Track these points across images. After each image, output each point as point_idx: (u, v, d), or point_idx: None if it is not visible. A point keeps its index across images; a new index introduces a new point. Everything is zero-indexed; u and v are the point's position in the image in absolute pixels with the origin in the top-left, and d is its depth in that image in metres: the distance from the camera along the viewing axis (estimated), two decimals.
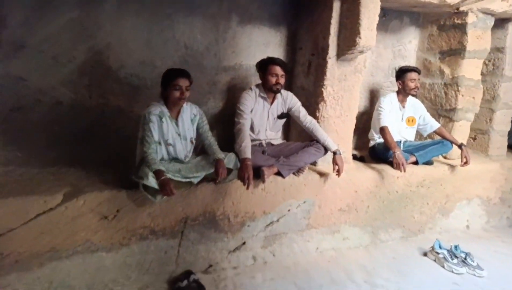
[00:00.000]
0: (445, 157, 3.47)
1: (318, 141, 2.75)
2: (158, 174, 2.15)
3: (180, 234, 2.46)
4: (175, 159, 2.47)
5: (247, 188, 2.40)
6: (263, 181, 2.56)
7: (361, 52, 2.76)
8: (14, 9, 2.36)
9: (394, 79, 3.35)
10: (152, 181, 2.13)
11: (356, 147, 3.64)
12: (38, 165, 2.49)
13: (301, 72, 3.18)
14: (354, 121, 3.07)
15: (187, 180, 2.35)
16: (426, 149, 3.20)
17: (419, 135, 3.60)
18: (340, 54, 2.82)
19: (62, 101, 2.57)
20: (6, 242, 2.06)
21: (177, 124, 2.42)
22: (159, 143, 2.36)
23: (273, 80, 2.68)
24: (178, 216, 2.42)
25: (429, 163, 3.23)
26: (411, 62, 3.71)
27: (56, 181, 2.33)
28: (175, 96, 2.31)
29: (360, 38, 2.62)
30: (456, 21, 3.31)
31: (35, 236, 2.11)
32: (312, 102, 2.99)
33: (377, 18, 2.65)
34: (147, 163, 2.20)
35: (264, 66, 2.72)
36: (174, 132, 2.42)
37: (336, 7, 2.77)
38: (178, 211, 2.41)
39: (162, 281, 2.40)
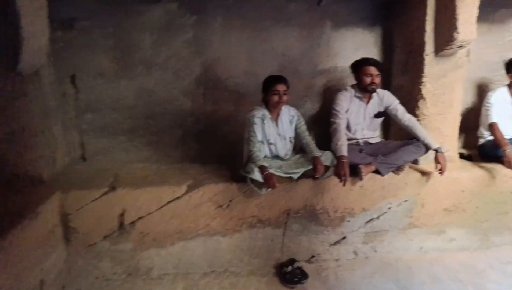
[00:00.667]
0: None
1: (417, 139, 2.84)
2: (262, 169, 2.52)
3: (284, 224, 2.81)
4: (276, 157, 2.84)
5: (344, 185, 2.63)
6: (361, 179, 2.75)
7: (460, 47, 2.78)
8: (145, 34, 3.02)
9: (504, 72, 3.23)
10: (257, 175, 2.51)
11: (464, 146, 3.57)
12: (167, 162, 3.11)
13: (398, 70, 3.30)
14: (458, 118, 3.07)
15: (288, 175, 2.68)
16: None
17: None
18: (438, 50, 2.88)
19: (183, 109, 3.16)
20: (146, 223, 2.65)
21: (277, 125, 2.79)
22: (262, 142, 2.75)
23: (367, 80, 2.87)
24: (281, 208, 2.77)
25: None
26: None
27: (181, 175, 2.88)
28: (274, 100, 2.68)
29: (457, 32, 2.67)
30: None
31: (167, 219, 2.66)
32: (411, 100, 3.08)
33: (476, 11, 2.66)
34: (252, 159, 2.60)
35: (358, 66, 2.92)
36: (275, 133, 2.79)
37: (431, 3, 2.85)
38: (281, 204, 2.76)
39: (270, 266, 2.76)
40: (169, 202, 2.66)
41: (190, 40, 3.10)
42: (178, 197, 2.66)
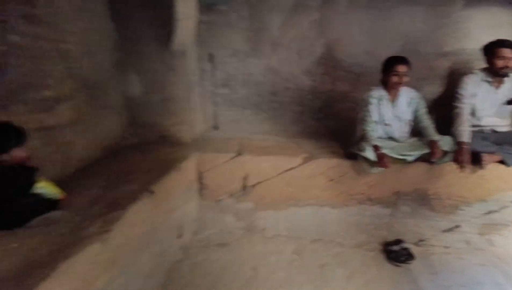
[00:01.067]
0: None
1: None
2: (375, 148, 2.66)
3: (392, 205, 2.92)
4: (390, 138, 2.93)
5: (462, 172, 2.61)
6: (482, 168, 2.69)
7: None
8: (275, 16, 3.33)
9: None
10: (370, 154, 2.66)
11: None
12: (285, 135, 3.45)
13: None
14: None
15: (402, 157, 2.76)
16: None
17: None
18: None
19: (303, 87, 3.43)
20: (265, 187, 3.02)
21: (394, 106, 2.87)
22: (377, 122, 2.87)
23: (500, 63, 2.73)
24: (391, 188, 2.87)
25: None
26: None
27: (298, 148, 3.18)
28: (394, 81, 2.75)
29: None
30: None
31: (282, 186, 3.00)
32: None
33: None
34: (366, 138, 2.75)
35: (491, 48, 2.78)
36: (391, 114, 2.87)
37: None
38: (391, 184, 2.86)
39: (375, 243, 2.91)
40: (285, 171, 2.98)
41: (315, 21, 3.31)
42: (294, 167, 2.97)
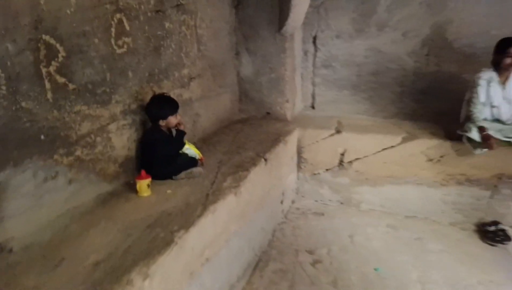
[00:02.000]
0: None
1: None
2: (481, 129, 2.75)
3: (493, 187, 2.97)
4: (497, 120, 2.96)
5: None
6: None
7: None
8: (382, 0, 3.46)
9: None
10: (475, 135, 2.76)
11: None
12: (382, 116, 3.63)
13: None
14: None
15: (508, 139, 2.81)
16: None
17: None
18: None
19: (405, 68, 3.55)
20: (362, 164, 3.27)
21: (504, 88, 2.88)
22: (484, 104, 2.92)
23: None
24: (494, 170, 2.92)
25: None
26: None
27: (397, 128, 3.35)
28: (506, 63, 2.77)
29: None
30: None
31: (380, 163, 3.22)
32: None
33: None
34: (472, 120, 2.84)
35: None
36: (501, 96, 2.89)
37: None
38: (494, 166, 2.90)
39: (471, 223, 3.01)
40: (384, 149, 3.19)
41: (423, 3, 3.37)
42: (393, 146, 3.17)
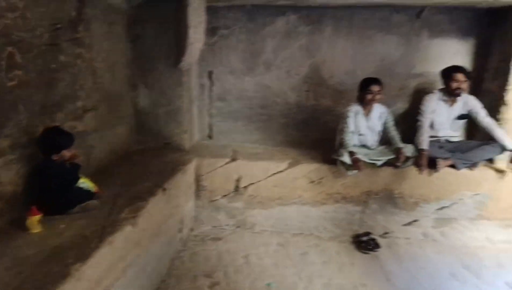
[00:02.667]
0: None
1: (494, 140, 3.26)
2: (351, 154, 3.24)
3: (363, 203, 3.49)
4: (364, 146, 3.52)
5: (421, 173, 3.21)
6: (437, 170, 3.30)
7: None
8: (269, 40, 3.89)
9: None
10: (347, 159, 3.23)
11: None
12: (271, 144, 4.00)
13: (488, 77, 3.68)
14: None
15: (372, 162, 3.34)
16: None
17: None
18: None
19: (289, 102, 3.99)
20: (256, 188, 3.56)
21: (368, 119, 3.46)
22: (353, 133, 3.46)
23: (455, 85, 3.34)
24: (363, 189, 3.45)
25: None
26: None
27: (284, 155, 3.73)
28: (368, 98, 3.35)
29: None
30: None
31: (270, 187, 3.54)
32: (495, 105, 3.47)
33: None
34: (344, 146, 3.32)
35: (448, 73, 3.41)
36: (365, 126, 3.46)
37: None
38: (363, 185, 3.44)
39: (348, 235, 3.48)
40: (273, 174, 3.52)
41: (303, 46, 3.88)
42: (281, 171, 3.51)
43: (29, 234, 1.92)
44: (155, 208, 2.55)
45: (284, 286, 2.74)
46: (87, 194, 2.27)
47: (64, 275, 1.56)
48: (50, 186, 2.09)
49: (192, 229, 3.57)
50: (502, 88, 3.42)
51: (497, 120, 3.43)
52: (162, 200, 2.71)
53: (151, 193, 2.60)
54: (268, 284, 2.75)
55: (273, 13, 3.78)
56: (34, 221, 1.92)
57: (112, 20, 3.18)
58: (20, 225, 1.95)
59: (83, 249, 1.80)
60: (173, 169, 3.17)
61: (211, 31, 3.75)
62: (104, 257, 1.87)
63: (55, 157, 2.18)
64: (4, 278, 1.54)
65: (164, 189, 2.76)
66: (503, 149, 3.23)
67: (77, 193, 2.22)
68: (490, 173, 3.35)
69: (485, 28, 3.68)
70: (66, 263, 1.65)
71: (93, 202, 2.27)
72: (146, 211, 2.39)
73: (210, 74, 4.00)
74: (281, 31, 3.84)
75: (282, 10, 3.74)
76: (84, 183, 2.31)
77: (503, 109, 3.43)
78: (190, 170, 3.42)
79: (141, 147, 3.72)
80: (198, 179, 3.58)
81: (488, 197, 3.36)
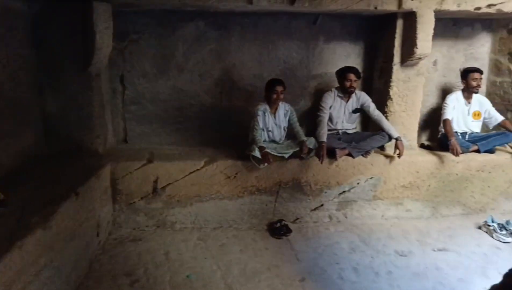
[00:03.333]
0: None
1: (383, 130, 3.75)
2: (261, 148, 3.48)
3: (276, 193, 3.76)
4: (273, 141, 3.79)
5: (321, 163, 3.56)
6: (336, 159, 3.68)
7: (420, 58, 3.67)
8: (179, 45, 4.00)
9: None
10: (257, 153, 3.47)
11: (429, 139, 4.45)
12: (189, 145, 4.10)
13: (376, 76, 4.20)
14: (418, 115, 3.96)
15: (281, 154, 3.63)
16: (488, 139, 3.88)
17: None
18: (403, 61, 3.78)
19: (204, 104, 4.14)
20: (174, 188, 3.63)
21: (275, 117, 3.75)
22: (263, 129, 3.71)
23: (348, 84, 3.78)
24: (274, 180, 3.71)
25: (491, 151, 3.89)
26: (484, 63, 4.34)
27: (200, 154, 3.85)
28: (273, 98, 3.64)
29: (417, 48, 3.56)
30: None
31: (189, 185, 3.65)
32: (382, 100, 3.99)
33: (432, 31, 3.54)
34: (254, 142, 3.56)
35: (342, 73, 3.84)
36: (273, 123, 3.75)
37: (400, 24, 3.74)
38: (274, 177, 3.70)
39: (263, 224, 3.72)
40: (191, 172, 3.63)
41: (213, 50, 4.05)
42: (198, 169, 3.63)
43: None
44: (68, 212, 2.51)
45: (203, 276, 2.86)
46: None
47: None
48: None
49: (110, 233, 3.53)
50: (387, 85, 3.93)
51: (384, 113, 3.93)
52: (75, 204, 2.67)
53: (63, 197, 2.55)
54: (188, 276, 2.85)
55: (182, 18, 3.89)
56: None
57: (11, 25, 3.05)
58: None
59: None
60: (86, 173, 3.12)
61: (121, 35, 3.75)
62: (14, 261, 1.83)
63: None
64: None
65: (77, 194, 2.72)
66: (390, 138, 3.72)
67: None
68: (381, 158, 3.83)
69: (372, 33, 4.19)
70: None
71: None
72: (59, 215, 2.36)
73: (122, 78, 3.99)
74: (191, 36, 3.97)
75: (190, 16, 3.87)
76: None
77: (389, 103, 3.93)
78: (104, 174, 3.39)
79: (52, 153, 3.57)
80: (114, 183, 3.55)
81: (380, 180, 3.82)
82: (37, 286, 2.07)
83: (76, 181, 2.89)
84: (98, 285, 2.71)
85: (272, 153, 3.57)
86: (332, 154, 3.68)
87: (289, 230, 3.58)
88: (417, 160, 3.84)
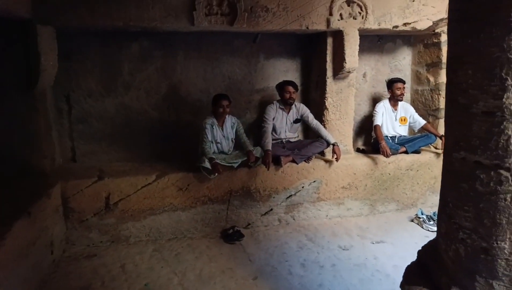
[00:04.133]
0: (435, 147, 4.56)
1: (321, 137, 4.08)
2: (211, 159, 3.65)
3: (227, 201, 3.92)
4: (222, 152, 3.97)
5: (268, 169, 3.79)
6: (281, 166, 3.94)
7: (349, 72, 4.06)
8: (125, 63, 4.09)
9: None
10: (207, 164, 3.62)
11: (364, 143, 4.86)
12: (139, 160, 4.15)
13: (313, 88, 4.55)
14: (352, 122, 4.35)
15: (230, 164, 3.82)
16: (414, 141, 4.34)
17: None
18: (335, 75, 4.15)
19: (152, 119, 4.23)
20: (126, 203, 3.67)
21: (222, 129, 3.94)
22: (212, 142, 3.88)
23: (287, 96, 4.08)
24: (225, 189, 3.88)
25: (417, 152, 4.36)
26: (407, 74, 4.87)
27: (151, 168, 3.92)
28: (219, 112, 3.84)
29: (345, 62, 3.94)
30: (434, 40, 4.47)
31: (141, 200, 3.70)
32: (319, 110, 4.33)
33: (357, 48, 3.94)
34: (204, 154, 3.72)
35: (281, 86, 4.14)
36: (221, 135, 3.93)
37: (330, 41, 4.12)
38: (225, 186, 3.87)
39: (217, 232, 3.86)
40: (142, 187, 3.70)
41: (158, 68, 4.18)
42: (149, 183, 3.71)
43: None
44: (21, 232, 2.51)
45: (160, 283, 2.94)
46: None
47: None
48: None
49: (64, 251, 3.49)
50: (322, 97, 4.27)
51: (322, 121, 4.26)
52: (27, 223, 2.67)
53: (15, 218, 2.55)
54: (146, 285, 2.92)
55: (126, 38, 3.99)
56: None
57: None
58: None
59: None
60: (36, 193, 3.11)
61: (65, 55, 3.76)
62: None
63: None
64: None
65: (29, 213, 2.72)
66: (328, 143, 4.04)
67: None
68: (321, 163, 4.14)
69: (307, 50, 4.55)
70: None
71: None
72: (11, 235, 2.36)
73: (67, 97, 3.98)
74: (136, 55, 4.08)
75: (135, 36, 3.98)
76: None
77: (325, 113, 4.28)
78: (55, 193, 3.37)
79: None
80: (65, 202, 3.53)
81: (322, 182, 4.12)
82: None
83: (26, 201, 2.89)
84: None
85: (222, 163, 3.74)
86: (277, 161, 3.93)
87: (241, 235, 3.75)
88: (353, 163, 4.19)
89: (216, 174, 3.66)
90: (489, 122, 1.34)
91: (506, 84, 1.27)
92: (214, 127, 3.88)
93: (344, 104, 4.25)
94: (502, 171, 1.33)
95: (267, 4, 3.68)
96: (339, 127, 4.30)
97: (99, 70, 4.01)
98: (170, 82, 4.24)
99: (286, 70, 4.59)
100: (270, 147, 3.90)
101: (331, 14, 3.81)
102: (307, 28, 3.82)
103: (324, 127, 4.20)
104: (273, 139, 4.09)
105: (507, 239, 1.35)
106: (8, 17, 3.02)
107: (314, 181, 4.10)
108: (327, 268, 3.17)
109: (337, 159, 3.98)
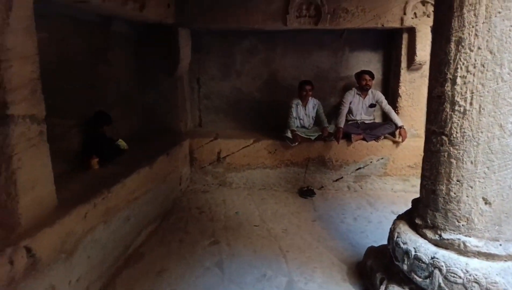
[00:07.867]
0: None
1: (391, 120, 4.50)
2: (292, 131, 4.46)
3: (305, 166, 4.69)
4: (303, 127, 4.74)
5: (338, 143, 4.43)
6: (352, 142, 4.52)
7: (420, 64, 4.36)
8: (238, 55, 5.13)
9: None
10: (289, 134, 4.45)
11: None
12: (241, 128, 5.21)
13: (391, 77, 4.92)
14: (424, 108, 4.61)
15: (308, 136, 4.56)
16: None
17: None
18: (408, 66, 4.48)
19: (255, 99, 5.22)
20: (231, 158, 4.75)
21: (305, 108, 4.68)
22: (296, 118, 4.67)
23: (363, 82, 4.58)
24: (304, 156, 4.65)
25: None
26: None
27: (250, 135, 4.92)
28: (303, 94, 4.58)
29: (416, 56, 4.27)
30: None
31: (241, 157, 4.73)
32: (395, 97, 4.71)
33: (429, 43, 4.20)
34: (288, 126, 4.54)
35: (359, 75, 4.65)
36: (303, 113, 4.69)
37: (405, 36, 4.45)
38: (304, 154, 4.64)
39: (295, 189, 4.67)
40: (243, 147, 4.72)
41: (262, 59, 5.11)
42: (248, 145, 4.71)
43: (92, 170, 3.09)
44: (162, 163, 3.75)
45: (246, 213, 3.94)
46: (122, 151, 3.47)
47: (106, 191, 2.72)
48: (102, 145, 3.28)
49: (188, 186, 4.75)
50: (397, 85, 4.64)
51: (396, 108, 4.65)
52: (166, 160, 3.91)
53: (159, 155, 3.79)
54: (237, 213, 3.94)
55: (239, 36, 5.01)
56: (95, 162, 3.09)
57: (123, 44, 4.38)
58: (84, 166, 3.13)
59: (119, 178, 2.98)
60: (173, 144, 4.36)
61: (196, 49, 4.96)
62: (133, 180, 3.07)
63: (100, 130, 3.36)
64: (78, 190, 2.72)
65: (167, 154, 3.95)
66: (396, 126, 4.45)
67: (114, 150, 3.40)
68: (389, 143, 4.56)
69: (387, 43, 4.92)
70: (108, 185, 2.81)
71: (125, 157, 3.45)
72: (157, 163, 3.60)
73: (198, 80, 5.22)
74: (246, 49, 5.07)
75: (245, 34, 4.97)
76: (120, 142, 3.50)
77: (398, 100, 4.65)
78: (185, 145, 4.62)
79: (149, 132, 4.88)
80: (191, 152, 4.77)
81: (389, 159, 4.56)
82: (143, 200, 3.29)
83: (167, 147, 4.14)
84: (178, 211, 3.93)
85: (302, 135, 4.51)
86: (349, 138, 4.51)
87: (313, 193, 4.49)
88: (421, 145, 4.47)
89: (296, 143, 4.44)
90: (438, 102, 1.87)
91: (446, 77, 1.79)
92: (298, 106, 4.65)
93: (416, 92, 4.56)
94: (443, 137, 1.85)
95: (347, 7, 4.23)
96: (411, 113, 4.62)
97: (219, 60, 5.14)
98: (270, 70, 5.13)
99: (368, 61, 5.03)
100: (342, 125, 4.51)
101: (404, 13, 4.16)
102: (382, 26, 4.25)
103: (397, 113, 4.58)
104: (349, 120, 4.67)
105: (444, 184, 1.88)
106: (159, 24, 4.27)
107: (382, 158, 4.56)
108: (374, 223, 3.73)
109: (402, 140, 4.36)
